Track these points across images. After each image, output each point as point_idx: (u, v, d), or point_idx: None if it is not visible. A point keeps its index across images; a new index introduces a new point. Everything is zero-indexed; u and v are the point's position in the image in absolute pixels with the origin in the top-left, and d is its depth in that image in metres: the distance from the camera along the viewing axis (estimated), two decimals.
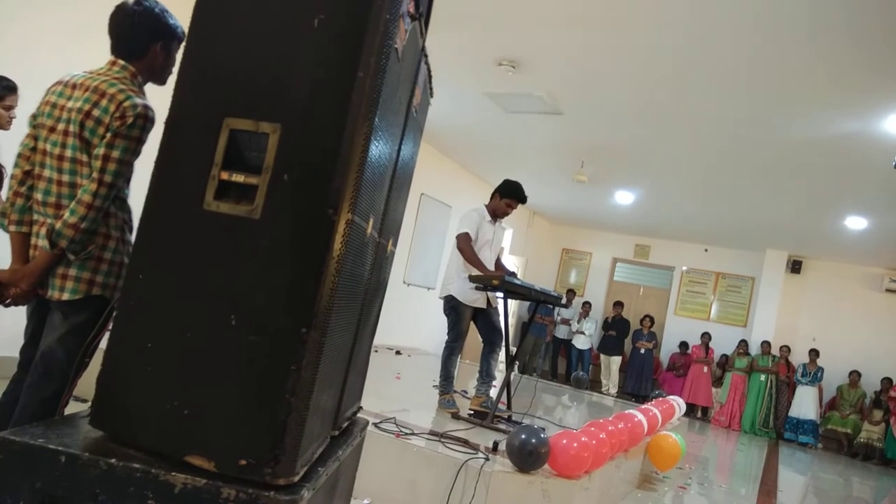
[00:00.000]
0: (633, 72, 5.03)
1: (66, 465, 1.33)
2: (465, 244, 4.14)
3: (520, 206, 4.41)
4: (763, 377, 10.16)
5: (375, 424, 3.33)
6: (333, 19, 1.41)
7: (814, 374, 10.04)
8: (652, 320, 11.19)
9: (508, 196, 4.25)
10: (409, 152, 2.04)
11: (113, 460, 1.33)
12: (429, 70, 2.10)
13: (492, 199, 4.34)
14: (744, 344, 10.49)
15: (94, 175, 1.78)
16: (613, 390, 10.57)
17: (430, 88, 2.25)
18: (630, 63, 4.88)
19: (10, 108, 2.85)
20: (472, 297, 4.15)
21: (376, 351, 6.62)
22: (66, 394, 1.84)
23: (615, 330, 10.99)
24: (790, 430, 10.00)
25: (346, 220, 1.38)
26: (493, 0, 4.29)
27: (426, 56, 1.99)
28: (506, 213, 4.34)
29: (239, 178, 1.40)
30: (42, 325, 1.89)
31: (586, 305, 11.35)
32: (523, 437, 3.02)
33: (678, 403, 6.34)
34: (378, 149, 1.52)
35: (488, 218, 4.28)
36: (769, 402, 10.09)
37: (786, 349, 10.35)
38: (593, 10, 4.17)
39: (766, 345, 10.34)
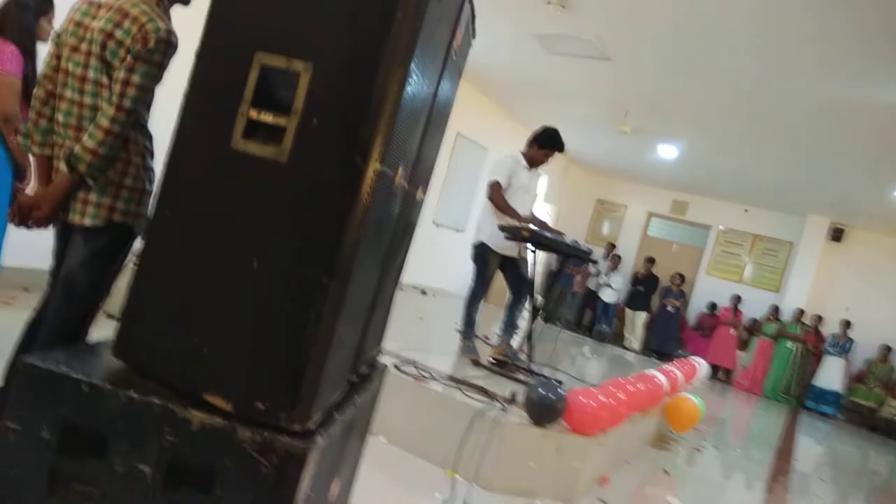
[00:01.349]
0: (686, 22, 4.78)
1: (88, 394, 1.35)
2: (495, 193, 4.07)
3: (556, 153, 4.30)
4: (790, 344, 10.03)
5: (395, 366, 3.36)
6: None
7: (843, 345, 9.88)
8: (682, 278, 11.04)
9: (546, 145, 4.14)
10: (445, 97, 1.96)
11: (133, 393, 1.34)
12: (472, 9, 1.99)
13: (528, 146, 4.23)
14: (775, 310, 10.31)
15: (113, 100, 1.75)
16: (637, 346, 10.56)
17: (473, 29, 2.15)
18: (683, 13, 4.64)
19: (51, 20, 2.80)
20: (504, 245, 4.10)
21: (402, 290, 6.64)
22: (89, 319, 1.87)
23: (644, 286, 10.88)
24: (812, 399, 9.92)
25: (375, 169, 1.33)
26: None
27: None
28: (542, 162, 4.23)
29: (268, 117, 1.36)
30: (67, 247, 1.90)
31: (615, 258, 11.22)
32: (541, 391, 3.03)
33: (700, 364, 6.31)
34: (413, 94, 1.45)
35: (524, 164, 4.18)
36: (794, 369, 9.99)
37: (817, 318, 10.17)
38: None
39: (798, 312, 10.16)
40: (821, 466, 6.71)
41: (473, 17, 2.06)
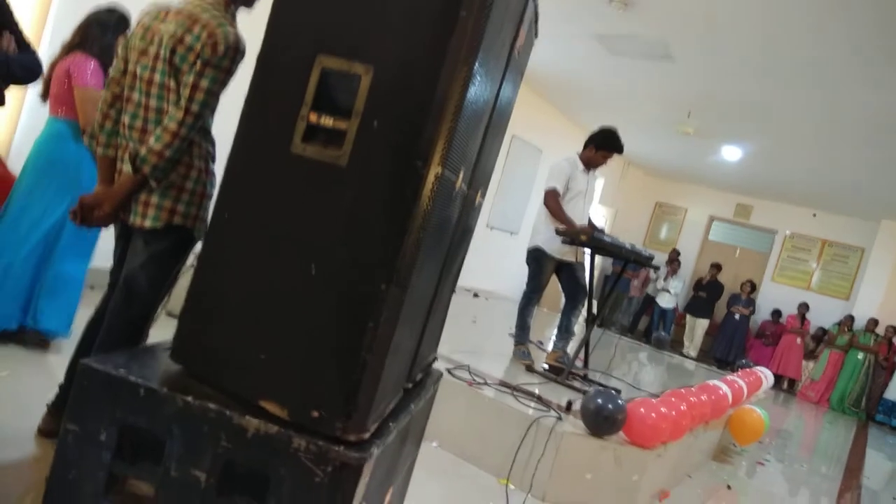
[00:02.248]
0: (752, 21, 4.59)
1: (145, 397, 1.35)
2: (552, 200, 3.98)
3: (615, 154, 4.17)
4: (861, 355, 9.54)
5: (449, 371, 3.32)
6: None
7: None
8: (753, 286, 10.62)
9: (605, 147, 4.02)
10: (507, 98, 1.90)
11: (189, 398, 1.34)
12: (536, 9, 1.93)
13: (585, 148, 4.12)
14: (849, 319, 9.82)
15: (182, 103, 1.76)
16: (694, 353, 10.24)
17: (536, 29, 2.08)
18: (749, 12, 4.45)
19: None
20: (560, 250, 4.01)
21: (455, 292, 6.61)
22: (148, 320, 1.89)
23: (706, 292, 10.53)
24: (883, 412, 9.42)
25: (436, 173, 1.29)
26: None
27: None
28: (599, 164, 4.12)
29: (328, 121, 1.33)
30: (127, 249, 1.93)
31: (674, 263, 10.90)
32: (600, 401, 2.93)
33: (766, 375, 6.05)
34: (475, 96, 1.40)
35: (581, 167, 4.07)
36: (864, 381, 9.50)
37: (892, 329, 9.64)
38: None
39: (872, 322, 9.65)
40: (893, 484, 6.35)
41: (537, 16, 2.00)
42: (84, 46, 2.69)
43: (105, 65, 2.66)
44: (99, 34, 2.70)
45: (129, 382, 1.34)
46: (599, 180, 4.53)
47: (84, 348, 1.96)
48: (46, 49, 3.60)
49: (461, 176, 1.54)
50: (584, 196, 4.08)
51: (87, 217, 1.88)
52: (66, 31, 3.68)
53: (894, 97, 5.22)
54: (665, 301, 10.70)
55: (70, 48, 2.71)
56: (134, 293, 1.87)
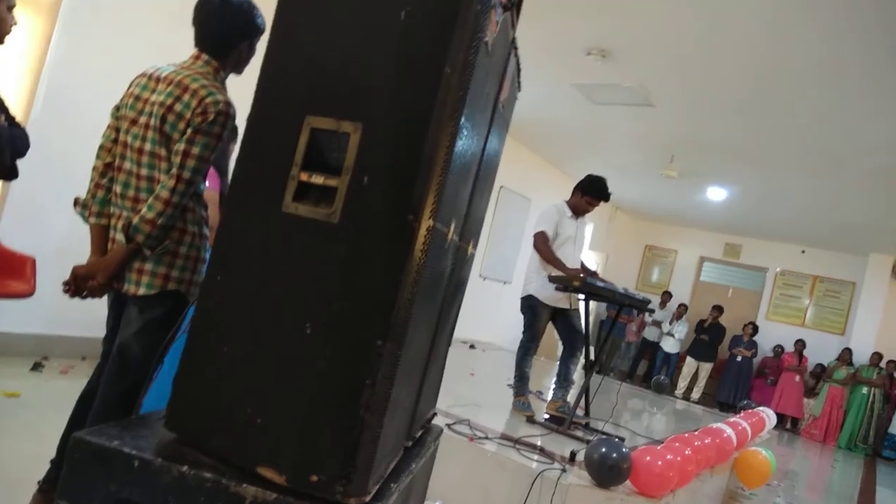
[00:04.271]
0: (730, 63, 4.72)
1: (139, 469, 1.31)
2: (541, 244, 3.99)
3: (602, 203, 4.21)
4: (866, 390, 9.46)
5: (448, 426, 3.26)
6: (420, 12, 1.31)
7: None
8: (755, 328, 10.56)
9: (590, 193, 4.07)
10: (494, 150, 1.93)
11: (185, 468, 1.30)
12: (518, 63, 1.98)
13: (573, 195, 4.16)
14: (847, 353, 9.77)
15: (174, 171, 1.77)
16: (696, 396, 10.12)
17: (519, 82, 2.13)
18: (726, 54, 4.58)
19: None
20: (553, 297, 4.00)
21: (450, 345, 6.55)
22: (144, 390, 1.85)
23: (709, 335, 10.45)
24: (890, 447, 9.29)
25: (428, 226, 1.29)
26: None
27: (516, 48, 1.87)
28: (587, 211, 4.15)
29: (318, 179, 1.34)
30: (120, 318, 1.90)
31: (681, 307, 10.83)
32: (604, 450, 2.87)
33: (768, 416, 5.98)
34: (463, 149, 1.42)
35: (569, 214, 4.11)
36: (871, 416, 9.39)
37: (893, 364, 9.60)
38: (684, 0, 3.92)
39: (875, 356, 9.60)
40: None
41: (519, 69, 2.05)
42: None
43: (221, 168, 2.64)
44: None
45: (123, 454, 1.30)
46: (589, 226, 4.54)
47: (76, 422, 1.92)
48: (34, 122, 3.64)
49: (452, 228, 1.54)
50: (573, 242, 4.10)
51: (81, 288, 1.86)
52: (55, 105, 3.75)
53: (878, 131, 5.33)
54: (669, 346, 10.62)
55: None
56: (128, 362, 1.84)
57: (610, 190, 4.12)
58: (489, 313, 8.33)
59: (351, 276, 1.30)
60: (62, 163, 3.64)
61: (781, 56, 4.43)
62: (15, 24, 2.37)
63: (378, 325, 1.27)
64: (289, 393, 1.31)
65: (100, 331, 2.08)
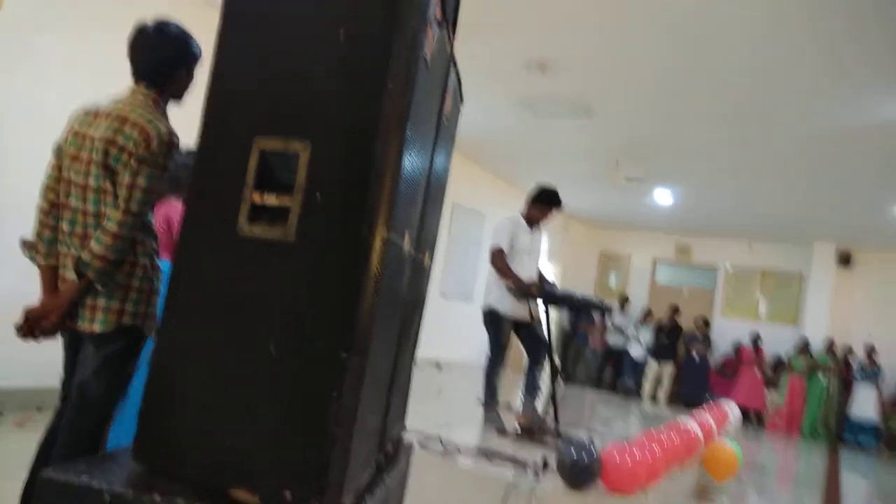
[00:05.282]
0: (663, 66, 4.91)
1: (111, 503, 1.29)
2: (496, 259, 4.06)
3: (554, 211, 4.31)
4: (823, 377, 9.76)
5: (420, 444, 3.26)
6: (360, 30, 1.36)
7: (872, 371, 9.62)
8: (707, 323, 10.82)
9: (542, 201, 4.16)
10: (441, 162, 1.98)
11: (157, 497, 1.29)
12: (458, 77, 2.04)
13: (526, 206, 4.25)
14: (804, 343, 10.06)
15: (120, 204, 1.76)
16: (664, 398, 10.28)
17: (461, 95, 2.19)
18: (659, 58, 4.76)
19: None
20: (514, 309, 4.06)
21: (417, 366, 6.55)
22: (105, 427, 1.82)
23: (668, 336, 10.65)
24: (849, 431, 9.57)
25: (382, 237, 1.32)
26: (517, 2, 4.22)
27: (455, 63, 1.93)
28: (540, 220, 4.24)
29: (271, 199, 1.36)
30: (77, 358, 1.87)
31: (648, 314, 11.00)
32: (574, 452, 2.92)
33: (731, 409, 6.12)
34: (411, 161, 1.46)
35: (524, 225, 4.19)
36: (830, 403, 9.68)
37: (848, 349, 9.94)
38: (618, 8, 4.07)
39: (829, 342, 9.92)
40: (872, 502, 6.41)
41: (460, 83, 2.11)
42: (176, 192, 2.70)
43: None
44: (187, 177, 2.67)
45: (94, 489, 1.28)
46: (545, 236, 4.63)
47: (39, 468, 1.86)
48: None
49: (407, 239, 1.57)
50: (528, 253, 4.18)
51: (34, 329, 1.82)
52: None
53: (811, 121, 5.56)
54: (636, 350, 10.76)
55: (160, 196, 2.68)
56: (88, 401, 1.80)
57: (560, 198, 4.22)
58: (453, 331, 8.34)
59: (311, 291, 1.32)
60: (5, 208, 3.55)
61: (712, 56, 4.61)
62: None
63: (341, 337, 1.29)
64: (257, 413, 1.32)
65: (54, 380, 2.03)
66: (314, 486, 1.27)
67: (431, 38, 1.51)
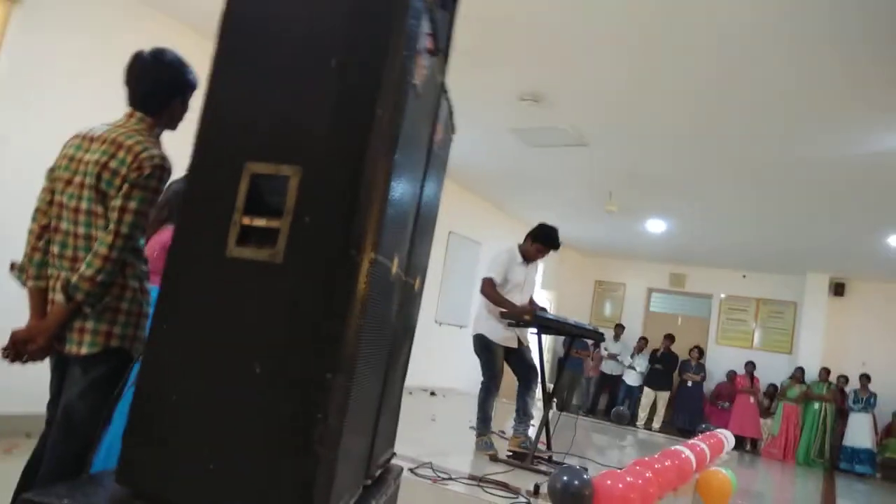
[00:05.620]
0: (657, 99, 4.99)
1: None
2: (488, 289, 4.08)
3: (551, 252, 4.33)
4: (818, 406, 9.73)
5: (411, 470, 3.24)
6: (351, 59, 1.39)
7: (866, 399, 9.61)
8: (701, 352, 10.83)
9: (540, 241, 4.20)
10: (432, 188, 2.01)
11: None
12: (450, 106, 2.08)
13: (525, 240, 4.28)
14: (799, 372, 10.07)
15: (111, 226, 1.77)
16: (657, 425, 10.23)
17: (452, 124, 2.23)
18: (653, 90, 4.84)
19: None
20: (503, 337, 4.07)
21: (410, 393, 6.54)
22: (90, 450, 1.81)
23: (662, 364, 10.65)
24: (845, 459, 9.53)
25: (370, 259, 1.34)
26: (511, 36, 4.31)
27: (446, 92, 1.98)
28: (536, 258, 4.27)
29: (260, 222, 1.38)
30: (64, 380, 1.87)
31: (641, 341, 11.02)
32: (565, 478, 2.90)
33: (726, 436, 6.10)
34: (400, 186, 1.49)
35: (519, 260, 4.21)
36: (824, 431, 9.64)
37: (843, 379, 9.94)
38: (612, 41, 4.16)
39: (824, 372, 9.93)
40: None
41: (451, 112, 2.15)
42: (174, 219, 2.72)
43: None
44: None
45: None
46: (539, 267, 4.63)
47: (22, 491, 1.85)
48: None
49: (396, 262, 1.59)
50: (521, 289, 4.18)
51: (21, 352, 1.82)
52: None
53: (803, 153, 5.63)
54: (632, 379, 10.75)
55: (161, 223, 2.71)
56: (74, 424, 1.80)
57: (560, 240, 4.24)
58: (447, 358, 8.32)
59: (297, 312, 1.33)
60: (0, 232, 3.57)
61: (704, 89, 4.69)
62: None
63: (326, 358, 1.30)
64: (242, 433, 1.32)
65: (42, 406, 2.02)
66: None
67: (422, 67, 1.55)
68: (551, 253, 4.38)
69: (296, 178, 1.37)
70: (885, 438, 9.57)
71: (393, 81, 1.38)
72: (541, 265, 4.45)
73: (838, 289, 10.59)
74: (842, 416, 9.79)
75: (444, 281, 8.52)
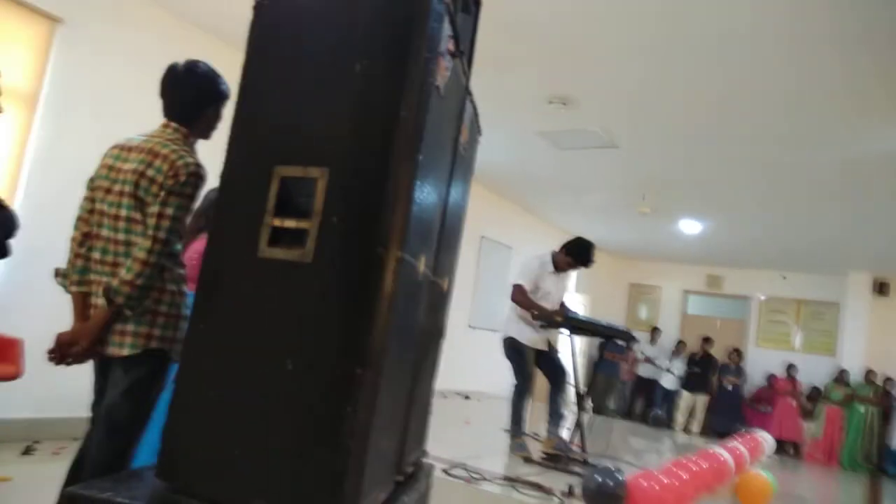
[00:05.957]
0: (688, 99, 4.93)
1: None
2: (519, 296, 4.09)
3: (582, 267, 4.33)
4: (863, 408, 9.46)
5: (445, 471, 3.26)
6: (375, 63, 1.44)
7: None
8: (740, 354, 10.63)
9: (572, 256, 4.19)
10: (459, 189, 2.04)
11: None
12: (474, 107, 2.11)
13: (560, 250, 4.28)
14: (842, 373, 9.81)
15: (149, 232, 1.84)
16: (697, 429, 10.07)
17: (478, 126, 2.26)
18: (684, 90, 4.79)
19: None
20: (532, 339, 4.07)
21: (444, 396, 6.57)
22: (132, 449, 1.88)
23: (700, 367, 10.49)
24: (891, 462, 9.23)
25: (396, 257, 1.37)
26: (539, 39, 4.32)
27: (470, 94, 2.00)
28: (567, 270, 4.27)
29: (290, 223, 1.43)
30: (106, 382, 1.94)
31: (680, 345, 10.87)
32: (599, 479, 2.89)
33: (765, 438, 5.98)
34: (425, 186, 1.52)
35: (550, 268, 4.20)
36: (870, 434, 9.37)
37: (889, 381, 9.65)
38: (641, 42, 4.13)
39: (869, 373, 9.66)
40: None
41: (476, 114, 2.18)
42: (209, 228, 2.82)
43: None
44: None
45: None
46: (572, 274, 4.60)
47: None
48: (19, 206, 3.73)
49: (423, 262, 1.63)
50: (549, 299, 4.16)
51: (66, 354, 1.90)
52: (39, 189, 3.84)
53: (842, 150, 5.50)
54: (668, 382, 10.61)
55: (198, 231, 2.81)
56: (115, 423, 1.87)
57: (593, 256, 4.23)
58: (481, 362, 8.31)
59: (326, 310, 1.37)
60: (47, 243, 3.71)
61: (738, 86, 4.62)
62: (2, 111, 2.49)
63: (354, 354, 1.34)
64: (275, 428, 1.37)
65: (87, 411, 2.10)
66: (329, 500, 1.30)
67: (444, 69, 1.58)
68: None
69: (323, 179, 1.42)
70: None
71: (415, 83, 1.41)
72: (573, 273, 4.44)
73: (882, 288, 10.28)
74: (887, 418, 9.49)
75: (477, 285, 8.53)
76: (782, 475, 6.34)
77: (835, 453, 9.48)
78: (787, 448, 9.71)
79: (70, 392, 3.01)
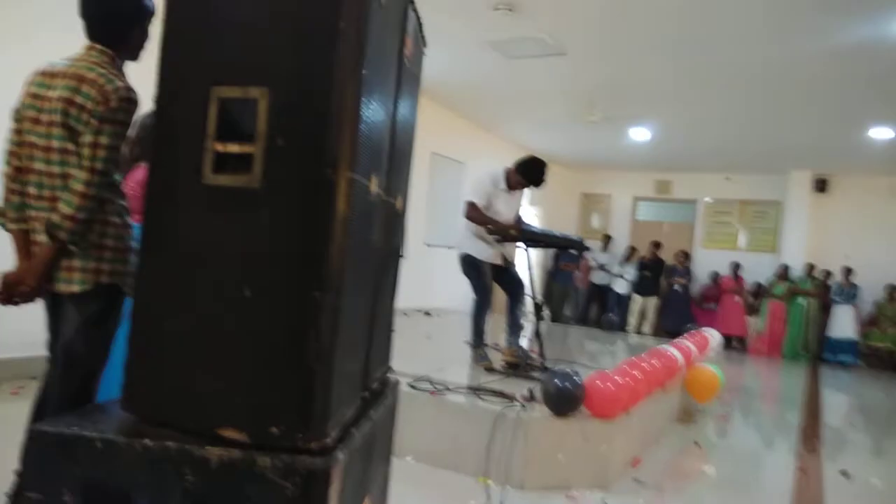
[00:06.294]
0: (635, 3, 4.86)
1: (103, 451, 1.35)
2: (472, 212, 4.07)
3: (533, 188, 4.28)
4: (804, 301, 10.02)
5: (410, 385, 3.36)
6: None
7: (849, 292, 9.88)
8: (687, 256, 11.00)
9: (521, 174, 4.14)
10: (407, 105, 1.99)
11: (148, 441, 1.35)
12: (418, 17, 2.03)
13: (513, 167, 4.21)
14: (784, 269, 10.29)
15: (84, 163, 1.76)
16: (649, 331, 10.53)
17: (423, 37, 2.19)
18: None
19: None
20: (489, 255, 4.11)
21: (405, 314, 6.67)
22: (93, 384, 1.86)
23: (651, 270, 10.84)
24: (829, 350, 9.90)
25: (347, 178, 1.35)
26: None
27: (413, 3, 1.93)
28: (518, 188, 4.22)
29: (234, 147, 1.38)
30: (59, 319, 1.90)
31: (632, 250, 11.13)
32: (557, 381, 3.02)
33: (711, 334, 6.30)
34: (372, 102, 1.48)
35: (503, 186, 4.16)
36: (810, 325, 9.98)
37: (827, 273, 10.18)
38: None
39: (808, 268, 10.17)
40: (850, 415, 6.68)
41: (420, 24, 2.10)
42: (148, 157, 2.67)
43: None
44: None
45: (85, 438, 1.34)
46: (525, 192, 4.60)
47: None
48: None
49: (374, 182, 1.60)
50: (502, 217, 4.12)
51: (12, 294, 1.84)
52: None
53: (777, 50, 5.55)
54: (621, 287, 10.94)
55: (134, 160, 2.66)
56: (73, 361, 1.84)
57: (544, 176, 4.17)
58: (439, 279, 8.42)
59: (280, 235, 1.35)
60: None
61: None
62: None
63: (312, 278, 1.33)
64: (237, 356, 1.37)
65: (42, 350, 2.06)
66: (299, 420, 1.33)
67: None
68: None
69: (265, 100, 1.36)
70: (867, 328, 9.91)
71: None
72: (527, 191, 4.40)
73: (821, 185, 10.67)
74: (826, 310, 10.09)
75: (430, 203, 8.51)
76: (729, 368, 6.73)
77: (778, 345, 10.09)
78: (733, 343, 10.27)
79: (22, 331, 2.95)
